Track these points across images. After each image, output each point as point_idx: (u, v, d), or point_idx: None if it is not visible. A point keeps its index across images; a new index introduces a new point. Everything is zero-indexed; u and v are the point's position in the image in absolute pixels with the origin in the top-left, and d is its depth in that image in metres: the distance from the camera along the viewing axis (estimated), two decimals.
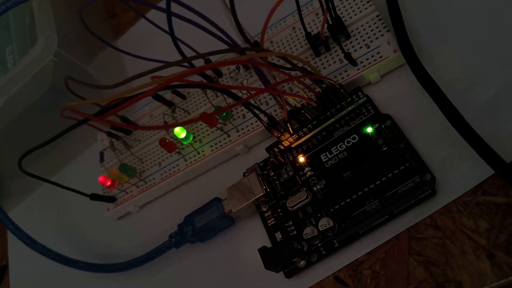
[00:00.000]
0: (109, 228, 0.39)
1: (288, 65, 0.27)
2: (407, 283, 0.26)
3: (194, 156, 0.36)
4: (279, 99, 0.28)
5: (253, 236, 0.32)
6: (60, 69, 0.38)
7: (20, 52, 0.41)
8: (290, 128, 0.31)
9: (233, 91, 0.29)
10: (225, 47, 0.26)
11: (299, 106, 0.30)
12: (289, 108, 0.30)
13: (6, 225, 0.36)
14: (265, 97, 0.34)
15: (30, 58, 0.36)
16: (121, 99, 0.24)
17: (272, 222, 0.31)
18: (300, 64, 0.27)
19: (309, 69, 0.28)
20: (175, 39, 0.25)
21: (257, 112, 0.29)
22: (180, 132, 0.35)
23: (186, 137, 0.35)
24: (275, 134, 0.30)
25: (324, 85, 0.29)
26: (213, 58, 0.34)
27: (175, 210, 0.36)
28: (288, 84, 0.32)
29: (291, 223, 0.30)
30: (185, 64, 0.30)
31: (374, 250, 0.28)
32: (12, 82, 0.36)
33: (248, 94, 0.33)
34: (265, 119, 0.30)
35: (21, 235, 0.36)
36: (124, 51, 0.35)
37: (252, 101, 0.33)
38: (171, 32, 0.25)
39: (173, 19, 0.26)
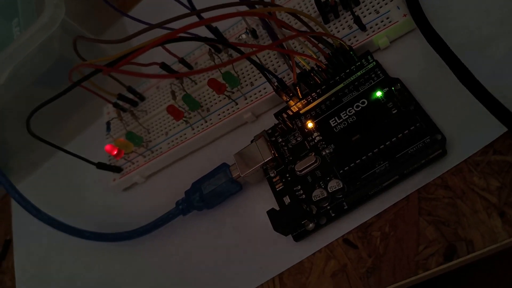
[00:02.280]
0: (115, 199, 0.39)
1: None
2: (417, 243, 0.26)
3: (202, 124, 0.36)
4: (289, 61, 0.28)
5: (260, 202, 0.32)
6: (68, 41, 0.38)
7: (27, 24, 0.41)
8: (299, 93, 0.30)
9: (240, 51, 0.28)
10: None
11: (309, 68, 0.30)
12: (298, 71, 0.30)
13: (12, 195, 0.36)
14: (278, 62, 0.34)
15: (38, 26, 0.36)
16: (132, 49, 0.23)
17: (280, 187, 0.31)
18: (310, 23, 0.27)
19: (318, 28, 0.28)
20: None
21: (266, 75, 0.29)
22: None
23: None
24: (284, 98, 0.30)
25: (334, 47, 0.29)
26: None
27: (182, 180, 0.36)
28: (301, 47, 0.32)
29: (299, 187, 0.30)
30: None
31: (384, 212, 0.28)
32: (19, 51, 0.36)
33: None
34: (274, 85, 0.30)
35: (27, 205, 0.36)
36: (138, 19, 0.34)
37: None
38: None
39: None
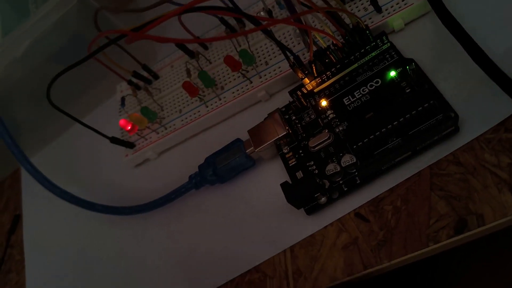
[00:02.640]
0: (127, 175, 0.40)
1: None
2: (428, 217, 0.27)
3: (216, 102, 0.36)
4: (307, 37, 0.29)
5: (273, 177, 0.32)
6: (84, 18, 0.39)
7: (43, 0, 0.41)
8: (314, 70, 0.31)
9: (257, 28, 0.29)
10: None
11: (325, 46, 0.30)
12: (315, 49, 0.30)
13: (24, 166, 0.37)
14: (293, 42, 0.35)
15: (55, 2, 0.36)
16: (157, 16, 0.24)
17: (293, 163, 0.31)
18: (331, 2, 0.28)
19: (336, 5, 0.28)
20: None
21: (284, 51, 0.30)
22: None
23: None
24: (300, 75, 0.31)
25: (351, 27, 0.30)
26: None
27: (194, 157, 0.36)
28: (320, 24, 0.33)
29: (312, 163, 0.30)
30: None
31: (396, 187, 0.28)
32: (37, 25, 0.37)
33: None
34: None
35: (39, 177, 0.36)
36: None
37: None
38: None
39: None
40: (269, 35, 0.28)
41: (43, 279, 0.39)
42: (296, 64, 0.30)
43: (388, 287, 0.45)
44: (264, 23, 0.27)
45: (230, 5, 0.28)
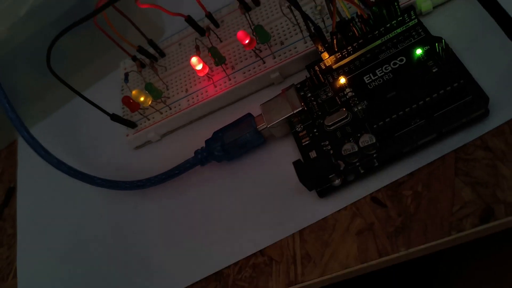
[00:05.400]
0: (127, 155, 0.38)
1: None
2: (451, 204, 0.25)
3: (225, 82, 0.34)
4: (331, 6, 0.27)
5: (284, 156, 0.30)
6: None
7: None
8: (335, 44, 0.29)
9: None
10: None
11: (349, 18, 0.28)
12: (338, 19, 0.28)
13: (21, 133, 0.35)
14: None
15: None
16: None
17: (307, 142, 0.29)
18: None
19: None
20: None
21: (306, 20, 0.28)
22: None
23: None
24: (320, 48, 0.29)
25: None
26: None
27: (199, 141, 0.33)
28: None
29: (327, 142, 0.29)
30: None
31: (417, 171, 0.26)
32: None
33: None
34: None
35: (36, 145, 0.35)
36: None
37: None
38: None
39: None
40: (293, 2, 0.26)
41: (35, 254, 0.37)
42: (317, 35, 0.28)
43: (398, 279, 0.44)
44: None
45: None
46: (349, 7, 0.29)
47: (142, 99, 0.35)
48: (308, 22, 0.28)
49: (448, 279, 0.43)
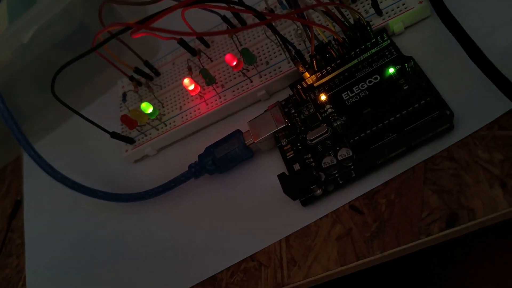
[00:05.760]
0: (125, 169, 0.40)
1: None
2: (421, 210, 0.27)
3: (216, 100, 0.37)
4: (309, 32, 0.29)
5: (271, 168, 0.33)
6: (89, 7, 0.39)
7: None
8: (315, 65, 0.32)
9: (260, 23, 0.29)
10: None
11: (326, 41, 0.31)
12: (316, 43, 0.31)
13: (27, 151, 0.37)
14: (292, 39, 0.35)
15: None
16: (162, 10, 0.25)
17: (291, 155, 0.32)
18: None
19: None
20: None
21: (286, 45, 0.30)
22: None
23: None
24: (301, 69, 0.32)
25: (352, 23, 0.30)
26: None
27: (193, 154, 0.36)
28: (319, 19, 0.34)
29: (309, 155, 0.31)
30: None
31: (390, 181, 0.29)
32: (44, 12, 0.37)
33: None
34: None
35: (42, 162, 0.37)
36: None
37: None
38: None
39: None
40: (273, 30, 0.28)
41: (42, 263, 0.40)
42: (297, 58, 0.31)
43: (382, 281, 0.46)
44: (269, 18, 0.28)
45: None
46: (325, 31, 0.31)
47: (138, 118, 0.37)
48: (288, 46, 0.30)
49: (440, 277, 0.45)
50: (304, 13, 0.29)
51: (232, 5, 0.26)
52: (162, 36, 0.36)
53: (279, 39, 0.29)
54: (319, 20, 0.34)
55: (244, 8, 0.26)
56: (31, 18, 0.37)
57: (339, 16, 0.29)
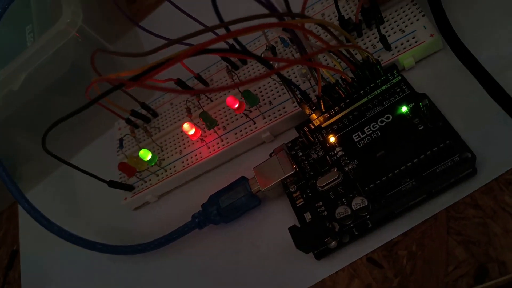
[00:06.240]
0: (125, 217, 0.38)
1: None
2: (446, 263, 0.25)
3: (218, 143, 0.35)
4: (315, 73, 0.27)
5: (280, 217, 0.31)
6: (82, 49, 0.38)
7: (40, 31, 0.40)
8: (322, 106, 0.30)
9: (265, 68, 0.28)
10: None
11: (334, 81, 0.29)
12: (323, 84, 0.29)
13: (21, 204, 0.35)
14: (296, 77, 0.33)
15: (54, 32, 0.35)
16: (156, 63, 0.23)
17: (301, 203, 0.30)
18: (337, 33, 0.27)
19: (346, 41, 0.27)
20: (215, 3, 0.24)
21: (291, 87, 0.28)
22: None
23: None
24: (307, 111, 0.30)
25: (361, 60, 0.28)
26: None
27: (195, 199, 0.34)
28: (325, 59, 0.32)
29: (321, 203, 0.29)
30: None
31: (410, 231, 0.27)
32: (35, 57, 0.36)
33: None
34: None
35: (37, 215, 0.35)
36: (150, 31, 0.34)
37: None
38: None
39: None
40: (279, 75, 0.27)
41: None
42: (303, 100, 0.29)
43: None
44: (277, 65, 0.26)
45: (237, 47, 0.27)
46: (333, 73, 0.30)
47: (137, 165, 0.35)
48: (293, 88, 0.28)
49: None
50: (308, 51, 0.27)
51: (238, 53, 0.24)
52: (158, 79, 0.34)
53: (283, 82, 0.27)
54: (326, 60, 0.32)
55: (251, 56, 0.24)
56: (21, 64, 0.36)
57: (347, 55, 0.28)
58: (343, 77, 0.28)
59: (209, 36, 0.22)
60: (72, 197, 0.42)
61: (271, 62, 0.26)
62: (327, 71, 0.28)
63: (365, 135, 0.29)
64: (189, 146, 0.36)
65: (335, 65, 0.28)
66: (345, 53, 0.27)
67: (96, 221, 0.40)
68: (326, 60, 0.32)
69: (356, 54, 0.30)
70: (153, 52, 0.25)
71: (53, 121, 0.36)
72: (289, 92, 0.31)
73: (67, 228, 0.35)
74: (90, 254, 0.36)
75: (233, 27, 0.22)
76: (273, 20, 0.23)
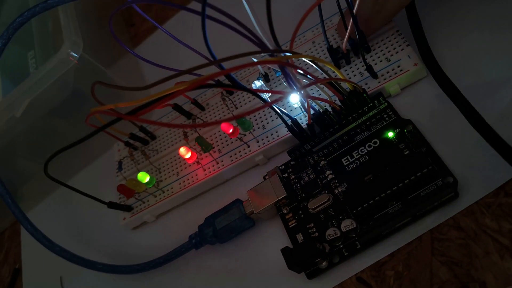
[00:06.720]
0: (125, 236, 0.40)
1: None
2: (430, 283, 0.26)
3: (213, 166, 0.36)
4: (305, 104, 0.29)
5: (273, 238, 0.32)
6: (83, 74, 0.39)
7: (42, 57, 0.42)
8: (312, 132, 0.31)
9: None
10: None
11: (323, 110, 0.31)
12: (312, 112, 0.30)
13: (23, 225, 0.36)
14: (289, 106, 0.35)
15: (56, 62, 0.36)
16: (154, 97, 0.24)
17: (293, 224, 0.31)
18: (326, 68, 0.28)
19: (335, 73, 0.29)
20: (207, 41, 0.25)
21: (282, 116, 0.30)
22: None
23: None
24: (298, 137, 0.31)
25: (348, 90, 0.30)
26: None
27: (192, 219, 0.36)
28: (317, 90, 0.33)
29: (312, 225, 0.30)
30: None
31: (397, 251, 0.28)
32: (37, 85, 0.37)
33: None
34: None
35: (39, 236, 0.36)
36: (146, 60, 0.35)
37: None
38: (204, 33, 0.25)
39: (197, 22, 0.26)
40: (271, 106, 0.28)
41: None
42: (294, 127, 0.30)
43: None
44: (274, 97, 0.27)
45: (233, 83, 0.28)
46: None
47: (135, 187, 0.37)
48: (285, 117, 0.30)
49: None
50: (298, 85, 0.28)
51: (234, 88, 0.25)
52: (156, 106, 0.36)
53: (276, 113, 0.29)
54: (314, 93, 0.33)
55: (244, 90, 0.26)
56: (24, 92, 0.37)
57: (335, 84, 0.29)
58: (332, 106, 0.30)
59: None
60: (72, 217, 0.44)
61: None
62: (317, 101, 0.29)
63: (354, 159, 0.31)
64: (185, 168, 0.37)
65: (320, 94, 0.29)
66: (333, 82, 0.29)
67: (97, 241, 0.41)
68: (318, 90, 0.34)
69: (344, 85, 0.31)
70: (153, 85, 0.26)
71: (54, 143, 0.37)
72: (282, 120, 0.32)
73: (68, 245, 0.37)
74: (91, 271, 0.37)
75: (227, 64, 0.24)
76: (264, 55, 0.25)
